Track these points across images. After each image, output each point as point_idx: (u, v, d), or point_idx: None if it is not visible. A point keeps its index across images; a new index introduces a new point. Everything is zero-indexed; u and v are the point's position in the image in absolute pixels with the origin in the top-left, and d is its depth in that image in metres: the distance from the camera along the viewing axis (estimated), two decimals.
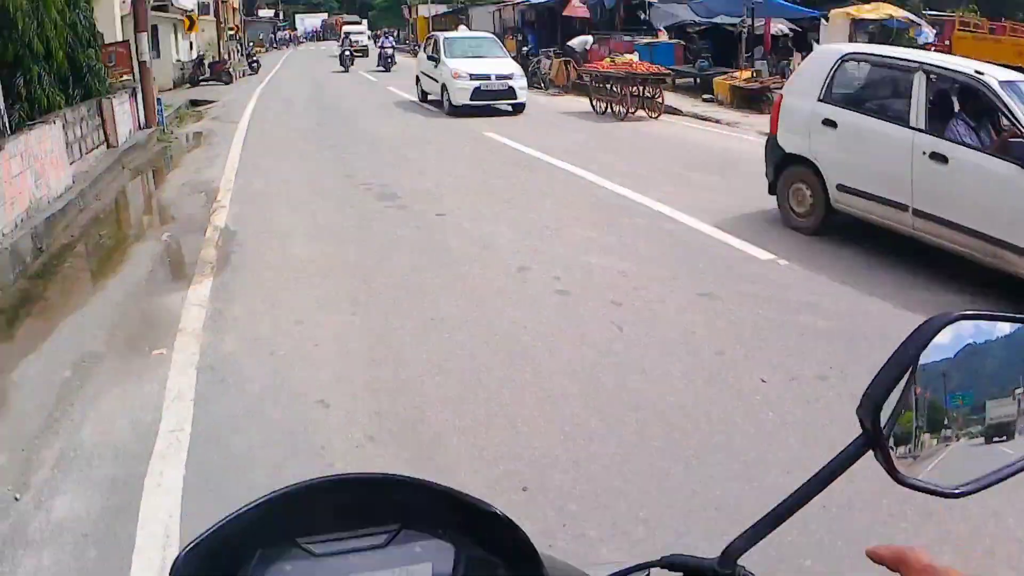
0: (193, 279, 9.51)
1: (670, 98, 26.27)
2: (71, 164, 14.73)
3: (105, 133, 18.38)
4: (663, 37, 35.85)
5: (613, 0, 39.14)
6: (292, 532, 1.22)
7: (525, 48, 40.42)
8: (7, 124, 12.98)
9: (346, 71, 49.78)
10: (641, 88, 24.01)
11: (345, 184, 14.69)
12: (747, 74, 27.45)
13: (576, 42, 33.94)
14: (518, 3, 55.21)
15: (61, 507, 5.02)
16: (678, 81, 30.78)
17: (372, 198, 13.47)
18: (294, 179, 15.46)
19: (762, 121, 22.37)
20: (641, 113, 23.89)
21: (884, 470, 1.23)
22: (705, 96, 28.36)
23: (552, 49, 36.52)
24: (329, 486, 1.27)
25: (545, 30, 45.28)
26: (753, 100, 25.70)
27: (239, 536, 1.19)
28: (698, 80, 31.04)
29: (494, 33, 58.10)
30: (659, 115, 23.88)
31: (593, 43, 33.62)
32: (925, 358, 1.45)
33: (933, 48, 37.09)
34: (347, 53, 53.15)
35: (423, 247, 10.57)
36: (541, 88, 33.65)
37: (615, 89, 24.31)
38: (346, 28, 75.96)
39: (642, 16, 39.08)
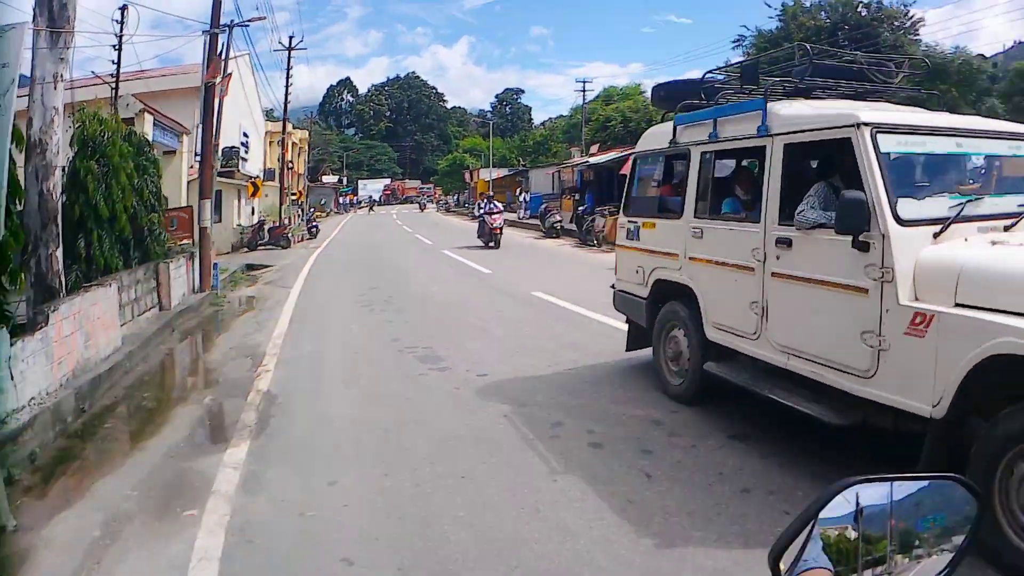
0: (231, 442, 9.63)
1: None
2: (122, 325, 14.99)
3: (159, 296, 18.75)
4: None
5: None
6: None
7: (581, 207, 41.03)
8: (63, 283, 13.28)
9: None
10: None
11: (389, 348, 14.92)
12: None
13: None
14: (577, 164, 56.10)
15: None
16: None
17: (415, 361, 13.66)
18: (340, 343, 15.72)
19: None
20: None
21: None
22: None
23: (607, 208, 36.99)
24: None
25: (604, 189, 45.99)
26: None
27: None
28: None
29: (552, 193, 59.07)
30: None
31: None
32: (826, 513, 1.94)
33: None
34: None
35: (460, 408, 10.71)
36: (595, 245, 34.35)
37: None
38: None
39: None
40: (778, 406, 8.22)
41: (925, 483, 2.09)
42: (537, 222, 47.07)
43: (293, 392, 11.95)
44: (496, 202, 41.45)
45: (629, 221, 11.84)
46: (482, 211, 41.19)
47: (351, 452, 9.11)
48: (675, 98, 10.99)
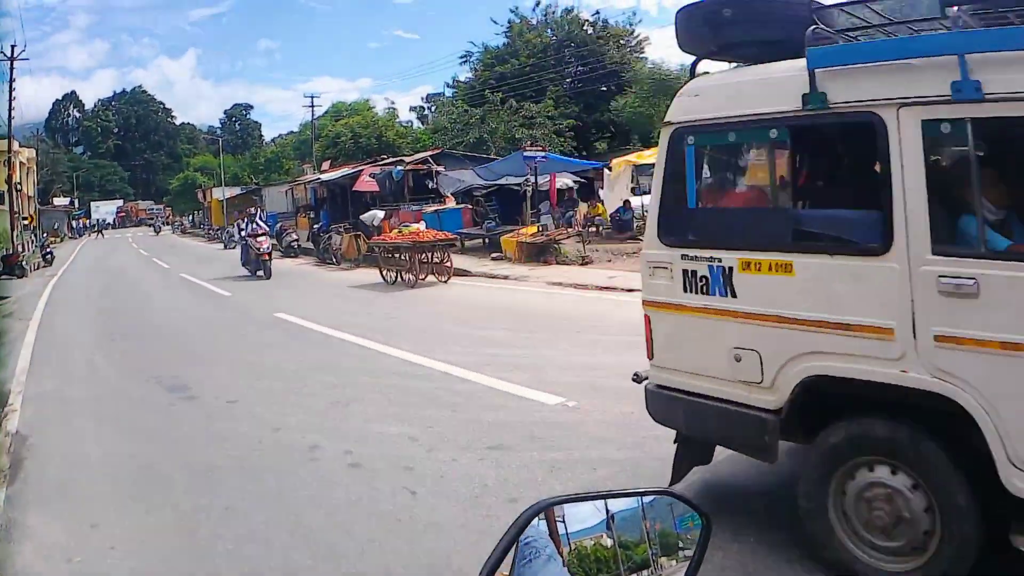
0: None
1: (460, 260, 27.25)
2: None
3: None
4: (451, 203, 36.77)
5: (401, 172, 40.17)
6: None
7: (316, 225, 40.92)
8: None
9: None
10: (429, 255, 24.91)
11: (135, 378, 14.62)
12: (533, 229, 28.57)
13: (366, 217, 34.64)
14: (310, 181, 55.96)
15: None
16: (468, 243, 31.84)
17: (162, 391, 13.41)
18: (86, 377, 15.28)
19: (549, 272, 23.13)
20: (431, 278, 24.72)
21: None
22: (494, 255, 29.34)
23: (343, 225, 37.27)
24: None
25: (337, 206, 46.02)
26: (540, 253, 26.62)
27: None
28: (487, 240, 32.02)
29: (287, 212, 58.48)
30: (448, 278, 24.73)
31: (384, 217, 34.28)
32: (526, 538, 2.04)
33: None
34: None
35: (214, 437, 10.59)
36: (333, 263, 34.34)
37: (404, 258, 25.04)
38: None
39: (430, 184, 40.15)
40: None
41: (637, 500, 2.29)
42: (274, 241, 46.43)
43: (43, 431, 11.57)
44: (261, 221, 34.28)
45: (690, 257, 6.60)
46: (244, 233, 33.14)
47: (109, 491, 8.91)
48: (755, 23, 6.48)
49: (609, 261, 25.81)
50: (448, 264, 25.37)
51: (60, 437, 11.29)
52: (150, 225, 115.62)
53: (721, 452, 7.11)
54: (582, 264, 25.82)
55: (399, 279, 25.34)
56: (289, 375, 13.75)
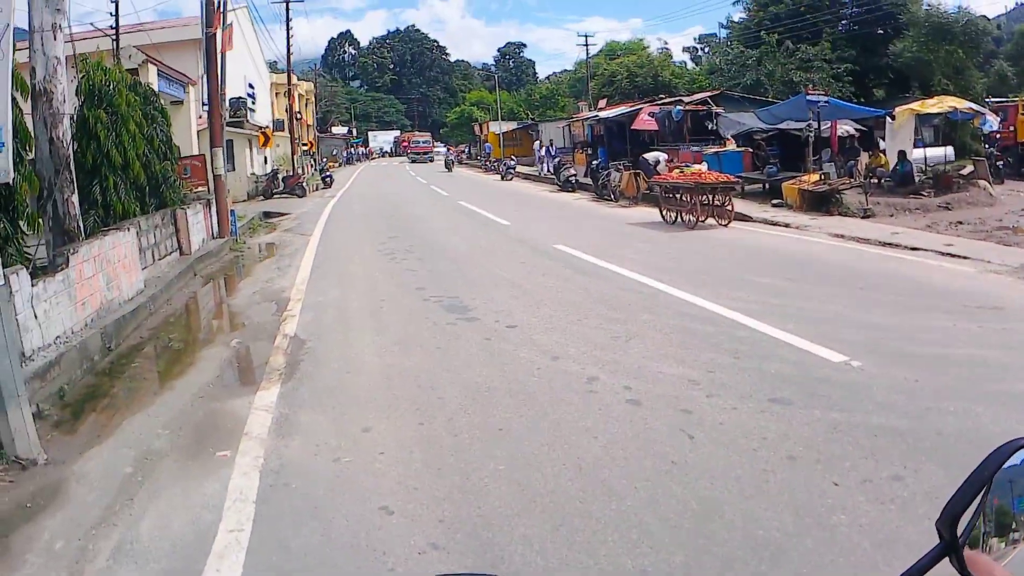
0: (260, 385, 9.60)
1: (739, 205, 26.38)
2: (144, 269, 15.16)
3: (179, 241, 18.94)
4: (731, 145, 36.13)
5: (680, 112, 39.60)
6: None
7: (595, 162, 40.68)
8: (81, 228, 13.29)
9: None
10: (710, 196, 24.09)
11: (414, 296, 14.77)
12: (815, 177, 27.61)
13: (650, 157, 33.83)
14: (587, 118, 55.96)
15: None
16: (747, 188, 31.03)
17: (441, 310, 13.50)
18: (364, 290, 15.66)
19: (831, 223, 22.26)
20: (711, 221, 23.91)
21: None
22: (774, 201, 28.41)
23: (622, 162, 36.70)
24: None
25: (614, 143, 45.80)
26: (822, 202, 25.66)
27: None
28: (767, 186, 31.18)
29: (565, 147, 58.74)
30: (729, 222, 23.85)
31: (667, 160, 33.60)
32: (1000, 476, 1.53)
33: (998, 135, 37.37)
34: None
35: (492, 359, 10.49)
36: (611, 200, 33.90)
37: (684, 199, 24.35)
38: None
39: (709, 126, 39.41)
40: None
41: None
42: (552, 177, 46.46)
43: (320, 337, 11.88)
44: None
45: None
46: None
47: (383, 399, 8.99)
48: None
49: (891, 216, 24.65)
50: (730, 207, 24.46)
51: (337, 344, 11.53)
52: (423, 159, 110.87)
53: None
54: (864, 217, 24.62)
55: (679, 219, 24.70)
56: (568, 305, 13.51)
